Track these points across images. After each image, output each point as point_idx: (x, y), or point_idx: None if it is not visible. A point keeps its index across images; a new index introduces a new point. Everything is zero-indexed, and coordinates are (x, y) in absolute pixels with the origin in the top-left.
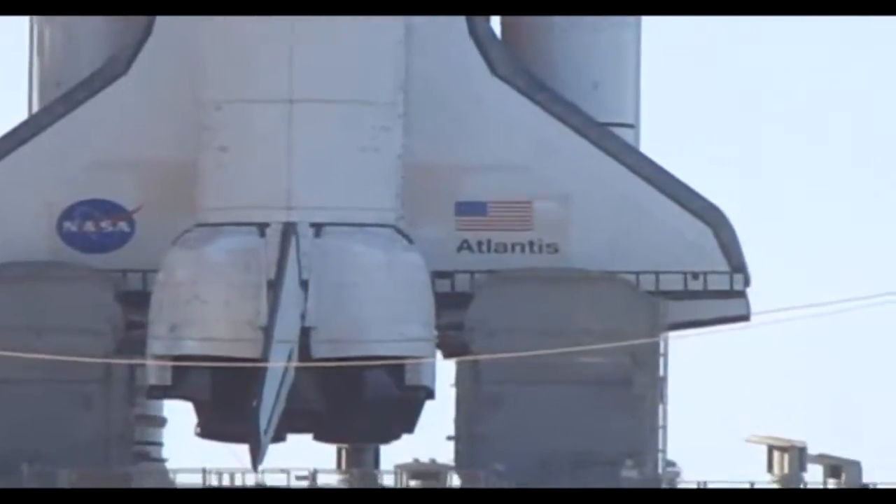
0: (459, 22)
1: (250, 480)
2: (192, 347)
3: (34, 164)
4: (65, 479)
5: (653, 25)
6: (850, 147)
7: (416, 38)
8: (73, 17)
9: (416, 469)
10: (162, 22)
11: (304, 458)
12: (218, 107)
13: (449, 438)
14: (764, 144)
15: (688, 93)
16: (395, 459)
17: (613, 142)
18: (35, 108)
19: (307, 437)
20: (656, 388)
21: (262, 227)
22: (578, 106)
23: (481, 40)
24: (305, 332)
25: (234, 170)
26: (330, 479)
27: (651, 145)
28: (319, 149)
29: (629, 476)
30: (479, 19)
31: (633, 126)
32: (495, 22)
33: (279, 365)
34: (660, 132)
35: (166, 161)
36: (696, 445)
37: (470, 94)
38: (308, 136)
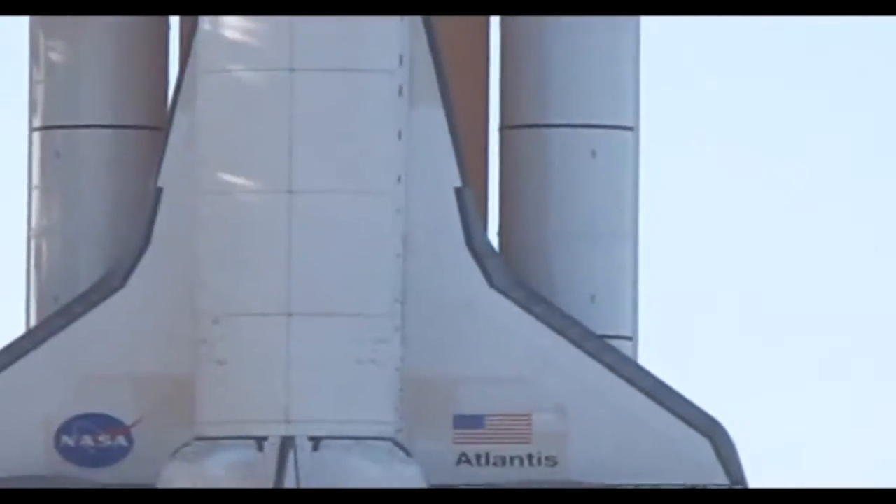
0: (457, 233)
1: None
2: None
3: (31, 378)
4: None
5: (649, 240)
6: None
7: (412, 249)
8: (70, 228)
9: None
10: (160, 235)
11: None
12: (216, 320)
13: None
14: (766, 354)
15: (685, 305)
16: None
17: (611, 354)
18: (32, 323)
19: None
20: None
21: (260, 441)
22: (576, 318)
23: (478, 252)
24: None
25: (232, 383)
26: None
27: (649, 357)
28: (317, 362)
29: None
30: (475, 232)
31: (631, 338)
32: (492, 235)
33: None
34: (658, 344)
35: (164, 374)
36: None
37: (467, 306)
38: (306, 350)
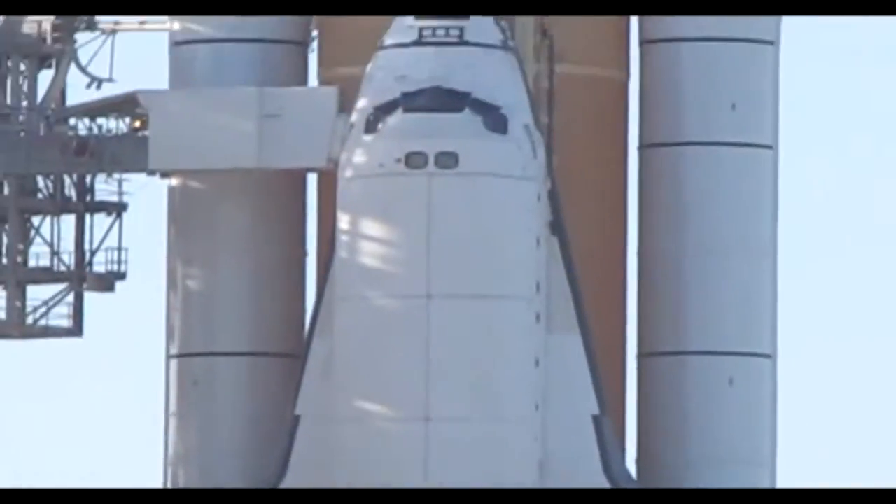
0: (594, 461)
1: None
2: None
3: None
4: None
5: (787, 468)
6: None
7: (549, 476)
8: (207, 455)
9: None
10: (297, 463)
11: None
12: None
13: None
14: None
15: None
16: None
17: None
18: None
19: None
20: None
21: None
22: None
23: (616, 480)
24: None
25: None
26: None
27: None
28: None
29: None
30: (613, 459)
31: None
32: (630, 462)
33: None
34: None
35: None
36: None
37: None
38: None
